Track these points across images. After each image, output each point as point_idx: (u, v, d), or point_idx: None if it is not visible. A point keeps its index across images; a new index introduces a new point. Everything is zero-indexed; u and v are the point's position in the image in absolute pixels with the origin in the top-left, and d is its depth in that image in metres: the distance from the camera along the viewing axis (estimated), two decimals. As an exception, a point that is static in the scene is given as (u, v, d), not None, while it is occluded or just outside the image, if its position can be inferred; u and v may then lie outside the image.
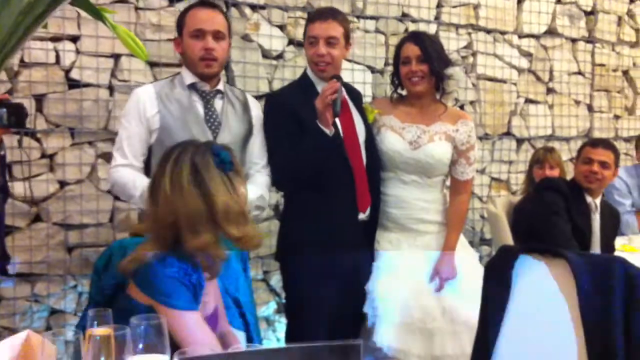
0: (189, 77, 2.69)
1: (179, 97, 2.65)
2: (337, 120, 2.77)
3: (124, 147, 2.62)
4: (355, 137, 2.93)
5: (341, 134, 2.84)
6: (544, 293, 2.23)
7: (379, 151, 3.00)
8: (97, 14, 0.90)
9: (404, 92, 3.14)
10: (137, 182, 2.56)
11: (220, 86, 2.75)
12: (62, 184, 3.40)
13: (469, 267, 2.99)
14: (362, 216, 2.92)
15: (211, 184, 1.90)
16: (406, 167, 2.95)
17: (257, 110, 2.86)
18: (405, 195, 2.98)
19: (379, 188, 3.01)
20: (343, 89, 2.76)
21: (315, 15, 2.91)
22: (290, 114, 2.77)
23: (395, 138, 2.97)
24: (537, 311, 2.21)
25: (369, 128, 3.02)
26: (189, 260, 1.89)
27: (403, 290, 2.88)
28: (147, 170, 2.66)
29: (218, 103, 2.72)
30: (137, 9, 3.49)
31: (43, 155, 3.35)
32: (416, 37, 3.07)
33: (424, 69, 2.94)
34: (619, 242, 3.73)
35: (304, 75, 2.96)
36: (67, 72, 3.37)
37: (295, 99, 2.83)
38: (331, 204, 2.82)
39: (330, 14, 2.89)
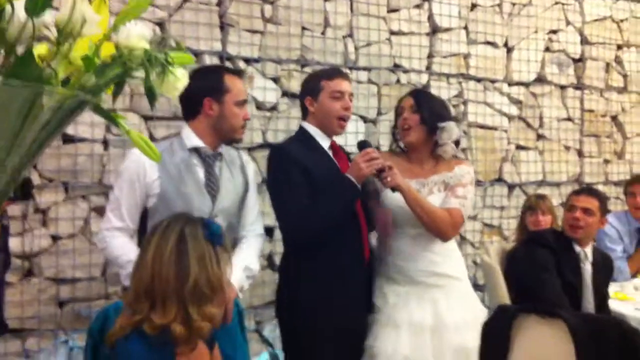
0: (193, 141, 2.63)
1: (180, 161, 2.59)
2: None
3: (122, 210, 2.56)
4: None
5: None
6: (541, 354, 2.23)
7: (384, 207, 3.00)
8: (113, 120, 0.91)
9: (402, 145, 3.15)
10: (132, 256, 2.38)
11: (221, 148, 2.71)
12: (55, 238, 3.39)
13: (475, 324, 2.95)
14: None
15: (192, 256, 1.89)
16: (410, 221, 2.94)
17: (251, 168, 2.87)
18: (414, 248, 2.96)
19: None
20: None
21: (336, 73, 2.94)
22: (301, 168, 2.75)
23: (397, 194, 2.95)
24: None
25: None
26: (160, 336, 1.87)
27: (405, 347, 2.84)
28: (140, 232, 2.61)
29: (217, 166, 2.68)
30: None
31: (36, 210, 3.34)
32: (413, 91, 3.14)
33: (415, 119, 2.97)
34: (611, 289, 3.73)
35: (302, 129, 2.95)
36: (62, 126, 3.37)
37: (302, 153, 2.81)
38: (343, 260, 2.78)
39: (345, 74, 3.00)
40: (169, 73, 0.87)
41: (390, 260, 2.98)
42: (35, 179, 3.30)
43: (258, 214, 2.85)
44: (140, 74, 0.87)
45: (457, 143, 3.07)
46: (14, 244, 3.20)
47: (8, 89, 0.74)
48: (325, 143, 2.88)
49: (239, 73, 2.80)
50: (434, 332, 2.86)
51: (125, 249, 2.53)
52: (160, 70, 0.87)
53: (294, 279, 2.82)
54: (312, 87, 2.89)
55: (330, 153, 2.88)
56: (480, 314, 3.00)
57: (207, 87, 2.60)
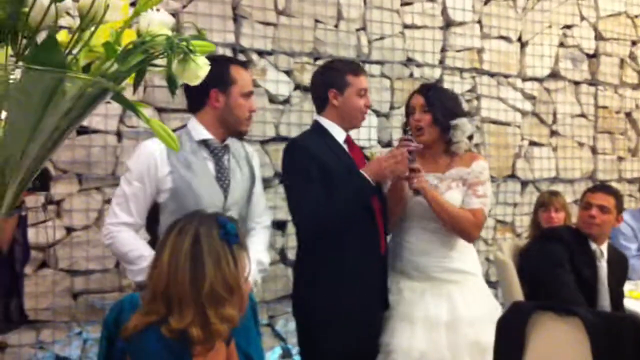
0: (200, 133, 2.60)
1: (189, 154, 2.55)
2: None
3: (130, 204, 2.50)
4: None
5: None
6: (558, 352, 2.22)
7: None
8: (133, 108, 0.90)
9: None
10: (145, 252, 2.44)
11: (228, 140, 2.69)
12: (69, 230, 3.40)
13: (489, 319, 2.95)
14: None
15: (208, 259, 1.88)
16: (425, 216, 2.94)
17: (256, 159, 2.84)
18: (429, 244, 2.95)
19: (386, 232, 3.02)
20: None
21: (361, 70, 2.95)
22: (318, 163, 2.74)
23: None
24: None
25: None
26: (178, 334, 1.88)
27: (421, 342, 2.84)
28: (150, 228, 2.58)
29: (226, 158, 2.65)
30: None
31: (50, 202, 3.35)
32: (422, 88, 3.10)
33: (427, 119, 2.96)
34: (626, 288, 3.71)
35: (318, 124, 2.95)
36: (76, 118, 3.38)
37: (319, 147, 2.80)
38: (359, 259, 2.78)
39: (364, 70, 3.04)
40: (191, 61, 0.87)
41: (405, 256, 2.97)
42: (50, 170, 3.31)
43: (265, 205, 2.83)
44: (161, 62, 0.87)
45: (470, 138, 3.09)
46: (28, 235, 3.20)
47: (30, 75, 0.74)
48: (340, 137, 2.87)
49: (244, 64, 2.78)
50: (449, 327, 2.86)
51: (134, 244, 2.49)
52: (182, 58, 0.86)
53: (310, 278, 2.81)
54: (337, 81, 2.87)
55: (346, 147, 2.88)
56: (495, 309, 3.00)
57: (213, 78, 2.51)
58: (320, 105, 2.94)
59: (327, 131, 2.88)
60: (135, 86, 0.88)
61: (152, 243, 2.49)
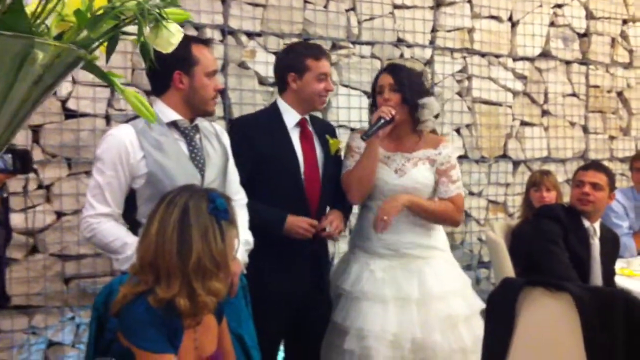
0: (168, 114, 2.53)
1: (160, 137, 2.49)
2: (298, 148, 2.93)
3: (106, 194, 2.43)
4: (316, 166, 2.99)
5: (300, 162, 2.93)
6: (547, 327, 2.22)
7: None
8: (107, 79, 0.89)
9: None
10: (129, 239, 2.39)
11: (197, 120, 2.64)
12: (59, 214, 3.38)
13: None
14: None
15: (195, 231, 1.89)
16: (394, 194, 2.96)
17: (226, 137, 2.79)
18: (398, 221, 2.98)
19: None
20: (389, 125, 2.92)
21: (322, 53, 2.99)
22: (250, 143, 2.85)
23: (380, 167, 3.00)
24: (541, 346, 2.20)
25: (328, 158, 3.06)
26: (165, 304, 1.88)
27: (393, 324, 2.87)
28: (126, 216, 2.52)
29: (197, 138, 2.60)
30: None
31: (40, 186, 3.33)
32: (390, 68, 3.13)
33: (395, 98, 2.97)
34: (617, 265, 3.72)
35: (274, 104, 3.02)
36: (64, 102, 3.36)
37: (257, 128, 2.92)
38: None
39: (327, 53, 3.09)
40: (163, 27, 0.86)
41: (374, 234, 3.00)
42: (38, 155, 3.29)
43: (239, 183, 2.80)
44: (133, 29, 0.85)
45: (436, 116, 3.16)
46: (17, 220, 3.19)
47: (-2, 42, 0.73)
48: (292, 121, 2.94)
49: (206, 42, 2.73)
50: (420, 304, 2.93)
51: (116, 233, 2.43)
52: (154, 25, 0.85)
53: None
54: (296, 65, 2.93)
55: (298, 131, 2.96)
56: (465, 284, 3.07)
57: (176, 59, 2.43)
58: (281, 87, 3.02)
59: (279, 114, 2.96)
60: (108, 55, 0.87)
61: (132, 230, 2.47)
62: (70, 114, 3.38)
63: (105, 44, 0.88)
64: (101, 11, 0.82)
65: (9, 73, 0.77)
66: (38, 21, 0.86)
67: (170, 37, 0.86)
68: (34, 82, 0.80)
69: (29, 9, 0.88)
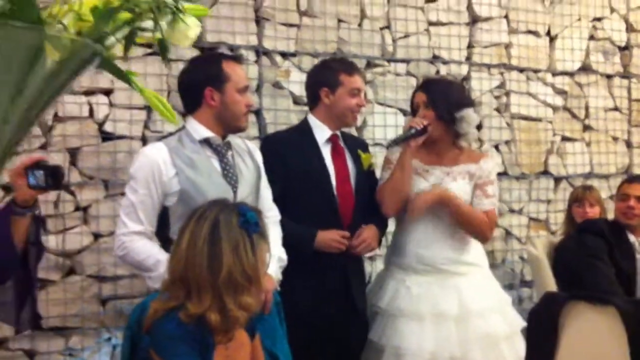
0: (201, 132, 2.55)
1: (193, 154, 2.50)
2: (330, 164, 2.92)
3: (139, 213, 2.45)
4: (348, 181, 2.97)
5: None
6: (592, 342, 2.14)
7: None
8: (125, 77, 0.87)
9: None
10: (162, 257, 2.36)
11: (229, 137, 2.65)
12: (96, 236, 3.40)
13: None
14: None
15: (226, 245, 1.87)
16: (430, 209, 2.92)
17: (258, 154, 2.79)
18: (434, 235, 2.94)
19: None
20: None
21: (355, 69, 3.00)
22: (282, 160, 2.85)
23: (419, 180, 2.98)
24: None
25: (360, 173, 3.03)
26: (196, 319, 1.85)
27: (430, 342, 2.81)
28: (159, 233, 2.53)
29: (230, 155, 2.61)
30: (168, 60, 3.51)
31: (77, 208, 3.35)
32: (424, 84, 3.14)
33: (430, 115, 2.94)
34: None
35: (305, 121, 3.03)
36: (101, 125, 3.40)
37: (289, 145, 2.91)
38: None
39: (360, 70, 3.13)
40: (180, 21, 0.84)
41: (411, 250, 2.96)
42: (76, 177, 3.32)
43: (271, 199, 2.78)
44: (149, 24, 0.84)
45: (478, 127, 3.10)
46: (54, 242, 3.22)
47: (9, 33, 0.71)
48: (323, 137, 2.93)
49: (237, 59, 2.76)
50: (459, 321, 2.86)
51: (150, 251, 2.44)
52: (171, 19, 0.83)
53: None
54: (329, 80, 2.93)
55: (329, 147, 2.94)
56: (504, 301, 3.00)
57: (207, 77, 2.53)
58: (313, 102, 3.00)
59: (310, 130, 2.94)
60: (125, 51, 0.85)
61: (165, 248, 2.46)
62: (107, 137, 3.40)
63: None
64: (116, 3, 0.80)
65: (22, 66, 0.75)
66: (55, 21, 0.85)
67: (188, 31, 0.84)
68: (49, 77, 0.79)
69: (49, 9, 0.87)
